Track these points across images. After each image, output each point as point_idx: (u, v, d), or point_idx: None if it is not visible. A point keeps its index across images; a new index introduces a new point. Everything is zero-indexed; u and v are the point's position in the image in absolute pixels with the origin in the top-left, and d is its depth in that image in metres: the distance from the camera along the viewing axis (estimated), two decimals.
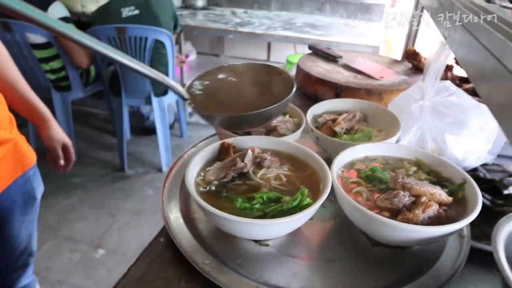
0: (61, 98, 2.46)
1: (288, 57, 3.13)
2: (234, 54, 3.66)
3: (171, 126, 3.16)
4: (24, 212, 1.06)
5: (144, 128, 3.07)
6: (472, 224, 0.66)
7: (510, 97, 0.35)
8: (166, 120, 2.60)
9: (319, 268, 0.65)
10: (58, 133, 1.14)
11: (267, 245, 0.67)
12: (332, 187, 0.66)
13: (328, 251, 0.68)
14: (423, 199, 0.65)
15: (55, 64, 2.30)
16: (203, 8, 3.31)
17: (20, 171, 0.98)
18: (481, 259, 0.66)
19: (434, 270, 0.64)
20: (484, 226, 0.74)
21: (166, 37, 2.27)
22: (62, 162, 1.18)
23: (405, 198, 0.65)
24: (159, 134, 2.58)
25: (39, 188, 1.11)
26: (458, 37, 0.70)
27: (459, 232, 0.71)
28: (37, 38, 2.12)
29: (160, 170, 2.71)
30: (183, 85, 2.98)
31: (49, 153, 1.18)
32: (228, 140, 0.75)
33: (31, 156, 1.02)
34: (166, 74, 2.14)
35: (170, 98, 2.59)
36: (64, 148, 1.17)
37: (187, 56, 3.22)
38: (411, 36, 1.53)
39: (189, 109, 3.36)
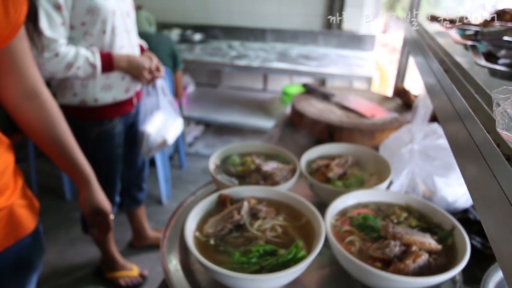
0: None
1: (284, 88, 3.20)
2: (232, 85, 3.74)
3: (171, 158, 3.19)
4: (16, 282, 0.92)
5: None
6: (463, 268, 0.68)
7: (469, 148, 0.44)
8: (166, 152, 2.64)
9: None
10: (95, 199, 1.03)
11: None
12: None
13: None
14: (413, 248, 0.67)
15: None
16: (201, 42, 3.40)
17: (12, 239, 0.85)
18: None
19: None
20: (475, 270, 0.76)
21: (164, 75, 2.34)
22: (94, 230, 1.08)
23: (396, 248, 0.67)
24: (158, 166, 2.60)
25: (39, 254, 0.98)
26: (431, 85, 0.75)
27: (452, 277, 0.73)
28: None
29: (160, 202, 2.72)
30: (182, 116, 3.02)
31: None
32: (225, 192, 0.78)
33: (29, 223, 0.88)
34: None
35: None
36: (100, 215, 1.06)
37: (185, 88, 3.29)
38: (401, 73, 1.59)
39: (189, 140, 3.41)
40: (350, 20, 3.19)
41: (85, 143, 1.58)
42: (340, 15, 3.16)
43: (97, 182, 1.05)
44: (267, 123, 2.94)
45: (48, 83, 1.53)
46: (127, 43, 1.52)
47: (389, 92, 1.65)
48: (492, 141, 0.38)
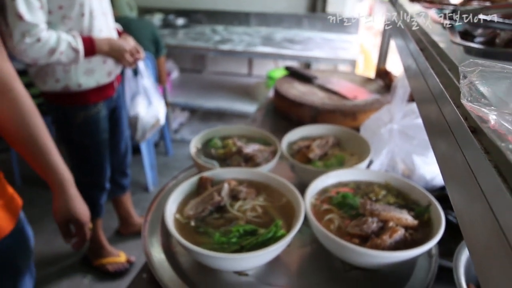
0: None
1: (268, 72, 3.18)
2: (217, 70, 3.71)
3: (156, 145, 3.17)
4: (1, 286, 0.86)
5: None
6: (440, 242, 0.70)
7: (440, 123, 0.44)
8: (150, 138, 2.62)
9: None
10: (70, 206, 0.92)
11: (246, 275, 0.70)
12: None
13: (306, 277, 0.72)
14: (390, 224, 0.69)
15: (31, 92, 2.30)
16: (184, 27, 3.35)
17: None
18: (450, 276, 0.71)
19: None
20: (451, 244, 0.78)
21: (145, 59, 2.30)
22: (68, 241, 0.97)
23: (373, 224, 0.68)
24: (144, 153, 2.58)
25: (24, 255, 0.91)
26: (408, 65, 0.75)
27: (428, 251, 0.75)
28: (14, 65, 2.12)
29: (146, 189, 2.71)
30: (166, 103, 2.98)
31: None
32: (206, 174, 0.78)
33: (4, 225, 0.80)
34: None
35: None
36: (76, 224, 0.95)
37: (169, 74, 3.24)
38: (382, 55, 1.59)
39: (174, 126, 3.38)
40: (335, 4, 3.17)
41: (71, 129, 1.56)
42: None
43: (75, 187, 0.94)
44: (252, 108, 2.93)
45: (25, 70, 1.50)
46: (105, 26, 1.49)
47: (372, 74, 1.66)
48: (460, 115, 0.39)
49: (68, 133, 1.59)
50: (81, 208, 0.94)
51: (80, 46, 1.34)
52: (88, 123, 1.56)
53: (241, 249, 0.64)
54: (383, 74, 1.42)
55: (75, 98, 1.49)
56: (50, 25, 1.33)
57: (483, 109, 0.33)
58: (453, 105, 0.42)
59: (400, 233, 0.67)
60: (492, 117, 0.31)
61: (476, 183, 0.32)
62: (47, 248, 2.19)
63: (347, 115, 1.23)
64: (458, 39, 0.63)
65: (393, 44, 1.72)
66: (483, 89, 0.38)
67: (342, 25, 3.18)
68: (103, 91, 1.56)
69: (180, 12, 3.46)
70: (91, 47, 1.39)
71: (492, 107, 0.35)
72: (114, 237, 2.28)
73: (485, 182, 0.30)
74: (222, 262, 0.63)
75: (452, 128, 0.41)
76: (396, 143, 0.95)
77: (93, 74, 1.48)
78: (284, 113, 1.35)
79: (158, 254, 0.72)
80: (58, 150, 0.91)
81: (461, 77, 0.40)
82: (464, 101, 0.36)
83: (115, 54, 1.48)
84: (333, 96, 1.35)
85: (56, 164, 0.88)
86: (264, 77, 3.39)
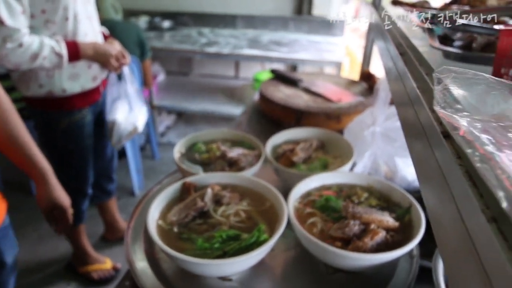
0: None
1: (255, 75, 3.19)
2: (203, 72, 3.70)
3: (142, 148, 3.14)
4: None
5: None
6: (421, 243, 0.71)
7: (415, 126, 0.46)
8: (136, 142, 2.59)
9: None
10: (53, 194, 1.02)
11: (230, 280, 0.70)
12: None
13: (289, 281, 0.72)
14: (372, 226, 0.69)
15: (13, 95, 2.26)
16: (170, 29, 3.33)
17: None
18: (431, 276, 0.72)
19: None
20: (432, 245, 0.80)
21: (131, 63, 2.28)
22: (53, 226, 1.07)
23: (355, 227, 0.69)
24: (129, 157, 2.56)
25: (10, 251, 1.00)
26: (388, 68, 0.77)
27: (409, 252, 0.76)
28: None
29: (132, 194, 2.68)
30: (152, 106, 2.97)
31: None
32: (189, 180, 0.78)
33: None
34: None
35: None
36: (59, 210, 1.04)
37: (155, 77, 3.22)
38: (366, 57, 1.61)
39: (161, 129, 3.36)
40: (320, 6, 3.20)
41: (55, 135, 1.54)
42: (310, 0, 3.16)
43: (55, 177, 1.03)
44: (239, 110, 2.93)
45: (8, 75, 1.47)
46: (91, 30, 1.47)
47: (357, 77, 1.68)
48: (433, 120, 0.40)
49: (52, 139, 1.56)
50: (63, 195, 1.05)
51: (64, 51, 1.32)
52: (72, 129, 1.54)
53: (224, 254, 0.64)
54: (367, 77, 1.43)
55: (59, 104, 1.47)
56: (33, 29, 1.30)
57: (454, 116, 0.34)
58: (427, 110, 0.43)
59: (381, 235, 0.68)
60: (463, 124, 0.32)
61: (447, 187, 0.33)
62: (30, 256, 2.15)
63: (331, 118, 1.24)
64: (436, 44, 0.65)
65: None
66: (457, 94, 0.39)
67: (328, 27, 3.21)
68: (88, 96, 1.54)
69: (166, 15, 3.45)
70: (75, 51, 1.37)
71: (465, 113, 0.36)
72: (99, 243, 2.25)
73: (455, 186, 0.31)
74: (205, 268, 0.62)
75: (427, 132, 0.42)
76: (378, 145, 0.96)
77: (78, 79, 1.45)
78: (269, 116, 1.35)
79: (141, 261, 0.71)
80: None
81: (435, 83, 0.40)
82: (436, 108, 0.36)
83: (101, 58, 1.46)
84: (317, 98, 1.36)
85: (37, 157, 0.97)
86: (250, 79, 3.40)
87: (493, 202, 0.24)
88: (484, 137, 0.28)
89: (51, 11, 1.30)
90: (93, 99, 1.58)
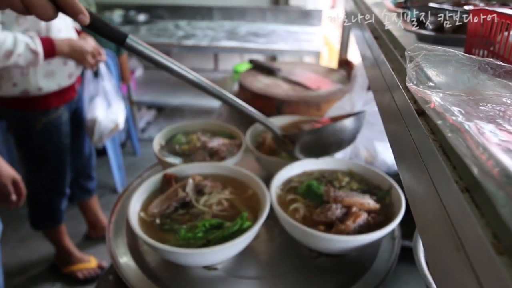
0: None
1: (234, 66, 3.17)
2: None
3: (123, 145, 3.09)
4: None
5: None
6: (402, 224, 0.73)
7: (391, 107, 0.46)
8: (116, 139, 2.55)
9: (266, 285, 0.69)
10: (6, 169, 1.12)
11: (215, 269, 0.70)
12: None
13: (275, 267, 0.73)
14: (354, 209, 0.70)
15: None
16: (145, 23, 3.27)
17: None
18: (412, 257, 0.73)
19: (370, 273, 0.70)
20: (413, 226, 0.82)
21: (107, 58, 2.23)
22: (14, 197, 1.15)
23: (337, 210, 0.70)
24: (110, 154, 2.51)
25: None
26: (363, 53, 0.77)
27: (391, 233, 0.78)
28: None
29: (115, 191, 2.64)
30: (131, 102, 2.91)
31: None
32: (169, 171, 0.77)
33: None
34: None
35: None
36: (14, 183, 1.15)
37: (132, 72, 3.16)
38: (344, 45, 1.62)
39: (141, 125, 3.31)
40: None
41: (31, 135, 1.49)
42: None
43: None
44: (220, 103, 2.91)
45: None
46: (63, 25, 1.42)
47: (336, 65, 1.69)
48: (408, 99, 0.41)
49: (28, 139, 1.51)
50: (8, 168, 1.14)
51: (39, 48, 1.27)
52: (49, 129, 1.50)
53: (208, 243, 0.64)
54: (344, 64, 1.44)
55: (35, 103, 1.42)
56: (4, 25, 1.25)
57: (426, 91, 0.34)
58: (402, 89, 0.44)
59: (363, 217, 0.69)
60: (436, 99, 0.32)
61: (421, 162, 0.33)
62: (11, 259, 2.10)
63: (311, 106, 1.24)
64: (410, 27, 0.65)
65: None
66: (429, 72, 0.39)
67: (305, 17, 3.21)
68: (65, 94, 1.50)
69: (141, 8, 3.37)
70: (51, 48, 1.32)
71: (438, 89, 0.36)
72: (84, 242, 2.21)
73: (429, 160, 0.31)
74: (189, 258, 0.62)
75: (402, 112, 0.43)
76: None
77: (53, 76, 1.41)
78: (249, 106, 1.35)
79: (124, 255, 0.70)
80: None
81: (407, 61, 0.41)
82: (409, 84, 0.37)
83: (77, 55, 1.42)
84: (297, 87, 1.36)
85: None
86: (230, 71, 3.38)
87: (466, 173, 0.25)
88: (455, 109, 0.28)
89: None
90: (69, 97, 1.54)
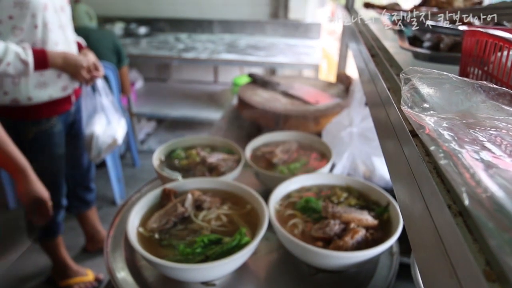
0: None
1: (234, 79, 3.19)
2: (182, 78, 3.68)
3: (123, 156, 3.09)
4: None
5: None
6: (401, 240, 0.73)
7: (386, 125, 0.47)
8: (116, 150, 2.55)
9: None
10: (33, 188, 1.10)
11: (214, 285, 0.70)
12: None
13: (273, 283, 0.72)
14: (352, 225, 0.71)
15: None
16: (146, 35, 3.30)
17: None
18: (410, 273, 0.73)
19: None
20: None
21: (107, 70, 2.25)
22: (33, 218, 1.15)
23: (335, 226, 0.70)
24: (109, 166, 2.52)
25: None
26: (361, 69, 0.78)
27: (390, 250, 0.78)
28: None
29: (113, 203, 2.64)
30: (131, 114, 2.93)
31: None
32: (169, 186, 0.77)
33: None
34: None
35: None
36: (39, 203, 1.13)
37: (133, 84, 3.19)
38: (342, 59, 1.64)
39: (141, 137, 3.32)
40: (296, 10, 3.24)
41: (21, 144, 1.49)
42: (286, 4, 3.20)
43: (33, 172, 1.11)
44: (219, 116, 2.93)
45: None
46: (62, 39, 1.44)
47: (334, 79, 1.71)
48: (402, 120, 0.41)
49: (19, 148, 1.52)
50: (42, 188, 1.13)
51: (30, 58, 1.29)
52: (40, 139, 1.50)
53: (207, 259, 0.64)
54: (343, 78, 1.46)
55: (25, 112, 1.43)
56: (0, 36, 1.27)
57: (420, 115, 0.35)
58: (397, 109, 0.45)
59: (361, 233, 0.69)
60: (429, 123, 0.33)
61: (415, 184, 0.34)
62: (7, 271, 2.08)
63: (310, 120, 1.25)
64: (406, 45, 0.67)
65: None
66: (423, 93, 0.40)
67: (304, 30, 3.25)
68: (57, 105, 1.51)
69: (142, 21, 3.42)
70: (43, 60, 1.34)
71: (431, 112, 0.37)
72: (81, 255, 2.20)
73: (423, 182, 0.32)
74: (188, 273, 0.62)
75: (397, 131, 0.44)
76: (356, 145, 0.98)
77: (45, 87, 1.42)
78: (248, 120, 1.36)
79: (122, 270, 0.70)
80: None
81: (402, 83, 0.42)
82: (404, 107, 0.38)
83: (70, 69, 1.43)
84: (295, 101, 1.37)
85: (15, 153, 1.06)
86: (230, 84, 3.40)
87: (459, 197, 0.25)
88: (448, 134, 0.29)
89: (18, 18, 1.28)
90: (63, 109, 1.54)
